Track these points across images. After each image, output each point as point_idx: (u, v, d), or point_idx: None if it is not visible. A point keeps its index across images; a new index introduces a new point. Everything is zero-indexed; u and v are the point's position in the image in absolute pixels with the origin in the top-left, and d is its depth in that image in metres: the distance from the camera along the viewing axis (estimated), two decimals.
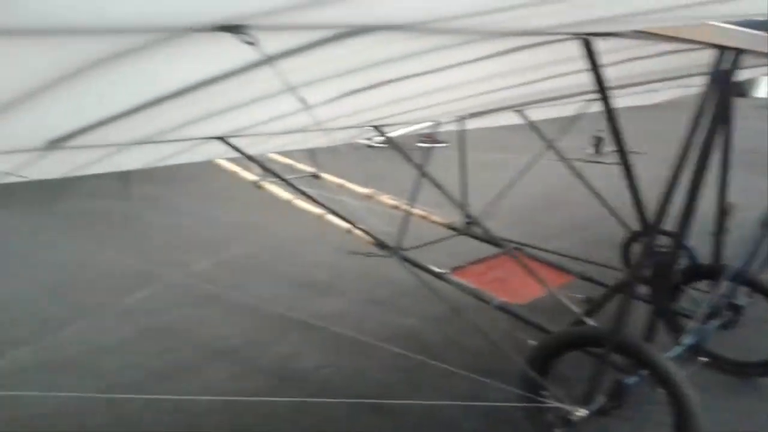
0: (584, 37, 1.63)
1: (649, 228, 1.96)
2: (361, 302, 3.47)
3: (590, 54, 1.67)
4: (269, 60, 1.08)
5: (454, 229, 3.40)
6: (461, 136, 3.43)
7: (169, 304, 3.44)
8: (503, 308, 2.54)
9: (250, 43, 0.98)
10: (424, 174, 2.92)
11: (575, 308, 2.32)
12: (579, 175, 3.24)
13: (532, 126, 3.29)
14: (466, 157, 3.44)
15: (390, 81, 1.79)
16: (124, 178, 5.15)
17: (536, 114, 3.39)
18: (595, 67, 1.70)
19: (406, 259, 2.92)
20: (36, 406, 2.34)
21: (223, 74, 1.29)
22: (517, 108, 3.23)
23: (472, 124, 3.54)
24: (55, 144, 1.65)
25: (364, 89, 1.83)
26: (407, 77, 1.76)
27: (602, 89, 1.77)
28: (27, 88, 1.12)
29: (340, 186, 3.58)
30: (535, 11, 1.19)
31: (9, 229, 4.74)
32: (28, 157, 1.82)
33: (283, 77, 1.14)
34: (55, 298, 3.54)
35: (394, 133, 3.29)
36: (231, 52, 1.04)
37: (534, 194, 5.28)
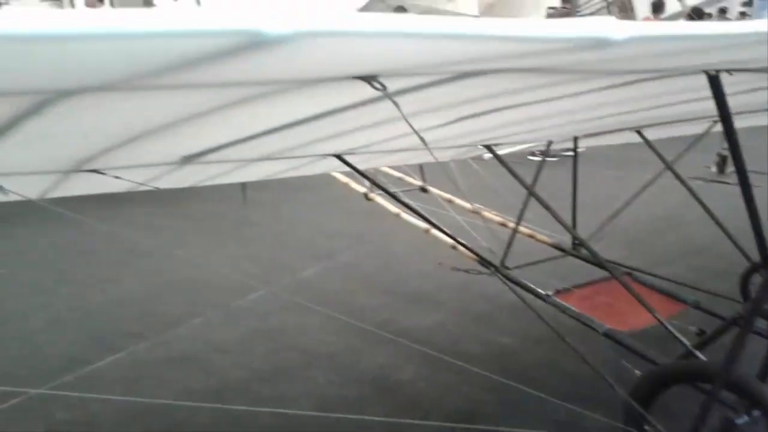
0: (712, 72, 1.57)
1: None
2: (460, 317, 3.47)
3: (716, 88, 1.60)
4: (392, 96, 1.16)
5: (561, 249, 3.33)
6: (574, 154, 3.36)
7: (276, 308, 3.59)
8: (609, 335, 2.46)
9: (380, 89, 1.09)
10: (531, 193, 2.89)
11: (685, 340, 2.22)
12: (697, 198, 3.08)
13: (650, 146, 3.16)
14: (578, 174, 3.37)
15: (503, 108, 1.80)
16: (241, 184, 5.42)
17: (655, 133, 3.26)
18: (720, 100, 1.64)
19: (509, 278, 2.89)
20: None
21: (348, 106, 1.40)
22: (635, 129, 3.13)
23: (585, 143, 3.46)
24: (189, 159, 1.79)
25: (477, 115, 1.85)
26: (521, 105, 1.77)
27: (726, 118, 1.70)
28: (175, 119, 1.25)
29: (448, 200, 3.60)
30: (666, 54, 1.18)
31: (136, 226, 5.11)
32: (162, 171, 1.98)
33: (402, 108, 1.20)
34: (173, 296, 3.79)
35: (504, 150, 3.28)
36: (359, 91, 1.13)
37: (648, 214, 5.04)
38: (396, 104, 1.18)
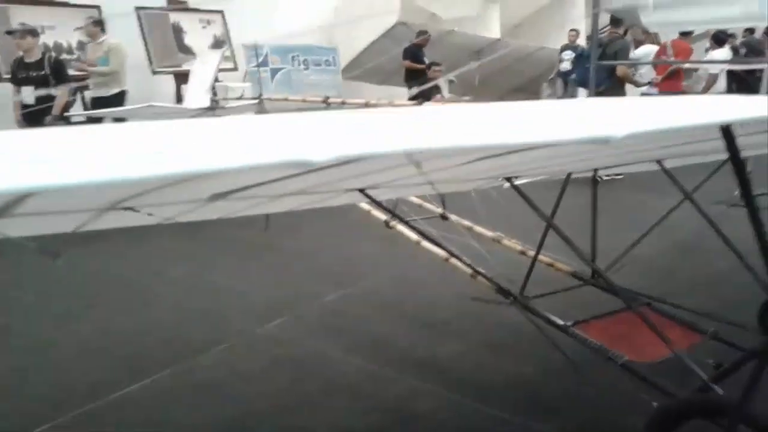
0: (724, 125, 1.62)
1: None
2: (480, 347, 3.49)
3: (729, 139, 1.65)
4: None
5: (580, 278, 3.35)
6: (593, 184, 3.39)
7: (300, 335, 3.65)
8: (627, 367, 2.48)
9: None
10: (550, 224, 2.91)
11: (702, 373, 2.22)
12: (716, 227, 3.07)
13: (669, 175, 3.18)
14: (597, 201, 3.40)
15: (526, 149, 1.86)
16: None
17: (674, 162, 3.28)
18: (733, 150, 1.68)
19: (528, 308, 2.92)
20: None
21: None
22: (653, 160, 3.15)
23: (604, 172, 3.48)
24: (218, 197, 1.87)
25: (499, 155, 1.91)
26: (543, 147, 1.82)
27: (739, 165, 1.74)
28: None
29: (468, 228, 3.64)
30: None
31: (163, 252, 5.22)
32: (192, 207, 2.06)
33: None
34: (196, 323, 3.87)
35: (523, 180, 3.32)
36: None
37: (668, 241, 5.03)
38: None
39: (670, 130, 1.21)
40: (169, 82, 10.18)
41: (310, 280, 4.64)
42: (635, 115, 1.21)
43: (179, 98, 9.58)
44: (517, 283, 3.07)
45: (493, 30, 12.37)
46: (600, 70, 7.03)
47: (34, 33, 6.29)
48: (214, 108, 6.04)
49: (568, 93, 11.68)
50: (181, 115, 6.35)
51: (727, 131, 1.60)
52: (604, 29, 8.77)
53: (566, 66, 11.84)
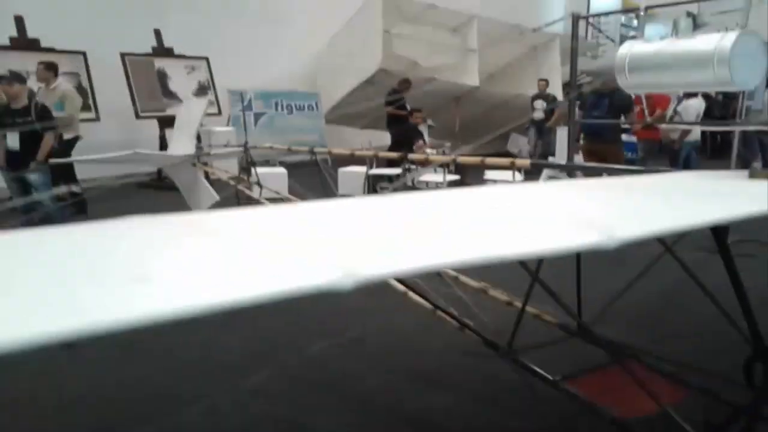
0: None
1: (761, 352, 1.90)
2: (471, 400, 3.47)
3: (719, 236, 1.71)
4: None
5: (567, 331, 3.37)
6: None
7: (284, 390, 3.60)
8: (616, 423, 2.49)
9: None
10: (536, 279, 2.94)
11: (691, 430, 2.24)
12: (696, 280, 3.11)
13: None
14: (581, 252, 3.44)
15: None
16: None
17: None
18: (722, 245, 1.74)
19: (517, 362, 2.93)
20: None
21: None
22: None
23: None
24: None
25: None
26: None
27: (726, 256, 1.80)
28: None
29: (454, 279, 3.65)
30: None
31: None
32: None
33: None
34: (179, 378, 3.80)
35: None
36: None
37: (652, 288, 5.08)
38: None
39: (663, 231, 1.26)
40: (152, 126, 10.22)
41: (294, 330, 4.60)
42: (625, 212, 1.26)
43: (163, 142, 9.62)
44: (505, 334, 3.08)
45: (471, 78, 12.63)
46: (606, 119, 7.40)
47: (21, 79, 6.30)
48: (199, 155, 6.05)
49: (542, 141, 11.89)
50: (166, 162, 6.36)
51: (717, 231, 1.66)
52: (581, 78, 9.04)
53: (539, 115, 12.08)
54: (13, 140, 6.01)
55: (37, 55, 8.80)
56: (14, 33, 9.04)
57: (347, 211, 1.56)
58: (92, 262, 0.97)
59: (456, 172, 8.36)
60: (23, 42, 9.06)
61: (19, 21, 9.02)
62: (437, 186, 7.90)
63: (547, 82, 12.48)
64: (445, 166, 6.11)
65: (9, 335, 0.61)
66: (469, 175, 8.98)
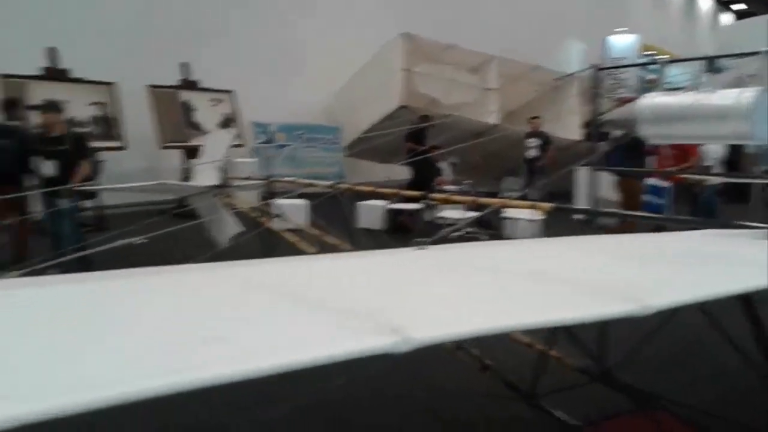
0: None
1: None
2: None
3: (748, 304, 1.75)
4: None
5: (589, 375, 3.36)
6: None
7: (301, 427, 3.60)
8: None
9: None
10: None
11: None
12: (721, 330, 3.10)
13: None
14: None
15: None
16: None
17: None
18: (752, 313, 1.77)
19: (539, 407, 2.93)
20: None
21: None
22: None
23: None
24: None
25: None
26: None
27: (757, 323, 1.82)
28: None
29: None
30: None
31: None
32: None
33: None
34: (204, 410, 3.80)
35: None
36: None
37: (677, 334, 5.04)
38: None
39: (695, 299, 1.31)
40: (174, 156, 10.40)
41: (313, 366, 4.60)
42: (658, 278, 1.32)
43: (185, 172, 9.77)
44: (525, 375, 3.09)
45: (491, 116, 12.76)
46: (630, 158, 8.44)
47: (58, 108, 6.45)
48: (224, 186, 6.15)
49: (535, 178, 11.79)
50: (191, 192, 6.46)
51: (746, 299, 1.70)
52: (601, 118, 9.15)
53: (533, 153, 11.92)
54: (47, 168, 6.14)
55: (67, 86, 9.03)
56: (46, 63, 9.29)
57: (391, 267, 1.61)
58: (162, 320, 1.02)
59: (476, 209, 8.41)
60: (54, 72, 9.30)
61: (52, 51, 9.27)
62: (456, 222, 7.92)
63: (539, 119, 12.30)
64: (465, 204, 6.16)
65: (115, 392, 0.67)
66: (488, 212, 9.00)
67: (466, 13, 15.56)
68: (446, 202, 5.66)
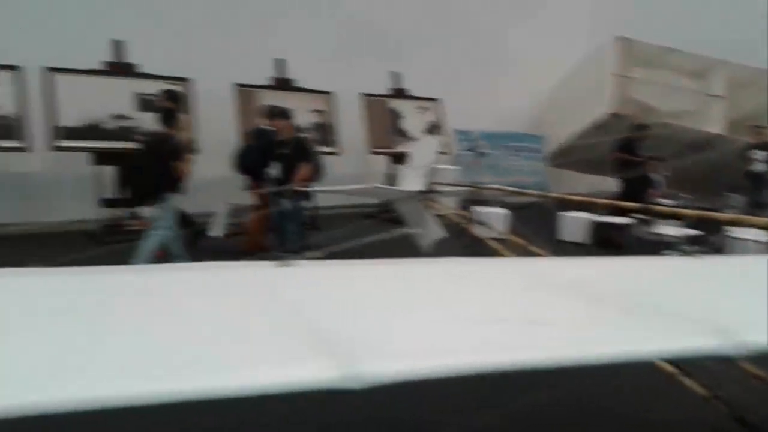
0: None
1: None
2: None
3: None
4: None
5: None
6: None
7: None
8: None
9: None
10: None
11: None
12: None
13: None
14: None
15: None
16: None
17: None
18: None
19: None
20: None
21: None
22: None
23: None
24: None
25: None
26: None
27: None
28: None
29: None
30: None
31: None
32: None
33: None
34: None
35: None
36: None
37: None
38: None
39: None
40: (379, 161, 10.89)
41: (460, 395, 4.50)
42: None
43: (389, 177, 10.19)
44: (752, 410, 2.79)
45: (715, 125, 11.69)
46: None
47: (285, 115, 7.07)
48: (430, 192, 6.30)
49: (763, 196, 10.46)
50: (400, 196, 6.71)
51: None
52: None
53: (759, 167, 10.54)
54: (276, 170, 6.81)
55: (289, 94, 9.84)
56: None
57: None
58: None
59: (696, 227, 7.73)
60: (281, 82, 10.18)
61: (280, 63, 10.17)
62: (674, 240, 7.35)
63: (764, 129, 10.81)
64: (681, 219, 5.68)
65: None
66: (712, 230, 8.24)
67: (687, 15, 14.38)
68: (673, 216, 5.24)
